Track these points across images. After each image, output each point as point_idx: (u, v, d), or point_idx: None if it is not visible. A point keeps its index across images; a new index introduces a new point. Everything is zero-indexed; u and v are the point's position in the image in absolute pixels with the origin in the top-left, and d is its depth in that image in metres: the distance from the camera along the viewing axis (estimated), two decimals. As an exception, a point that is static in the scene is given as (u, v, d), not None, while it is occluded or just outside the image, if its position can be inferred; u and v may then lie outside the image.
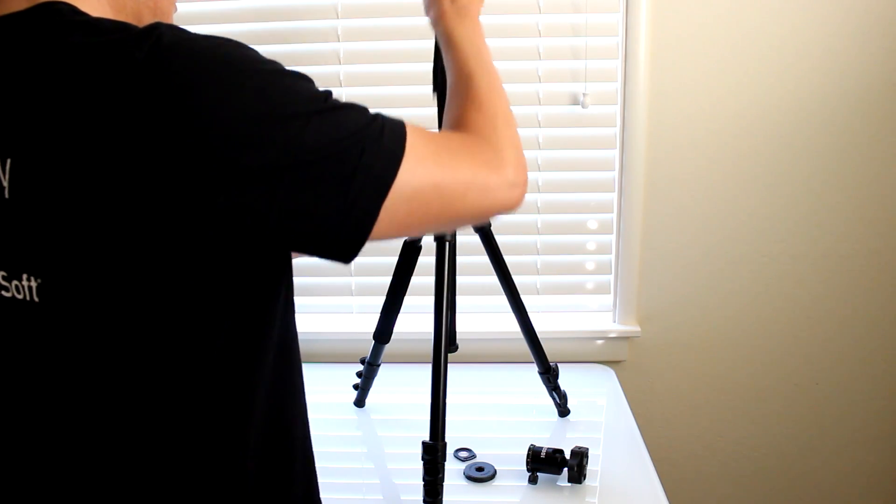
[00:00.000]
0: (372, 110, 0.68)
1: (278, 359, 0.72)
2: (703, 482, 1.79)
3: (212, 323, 0.63)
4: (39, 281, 0.60)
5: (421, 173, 0.65)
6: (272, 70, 0.64)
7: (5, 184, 0.60)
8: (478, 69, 0.85)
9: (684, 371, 1.72)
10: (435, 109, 1.17)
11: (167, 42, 0.58)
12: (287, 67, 0.66)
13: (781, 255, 1.64)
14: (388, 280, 1.26)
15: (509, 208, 0.73)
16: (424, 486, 1.05)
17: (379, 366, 1.36)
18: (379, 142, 0.64)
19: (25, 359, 0.64)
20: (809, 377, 1.71)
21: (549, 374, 1.34)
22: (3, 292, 0.62)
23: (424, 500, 1.05)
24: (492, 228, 1.24)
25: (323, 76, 1.59)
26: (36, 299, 0.60)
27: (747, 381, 1.72)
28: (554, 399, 1.38)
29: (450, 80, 0.86)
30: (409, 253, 1.23)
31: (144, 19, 0.72)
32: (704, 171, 1.60)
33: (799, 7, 1.51)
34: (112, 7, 0.70)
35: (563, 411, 1.40)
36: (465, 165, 0.70)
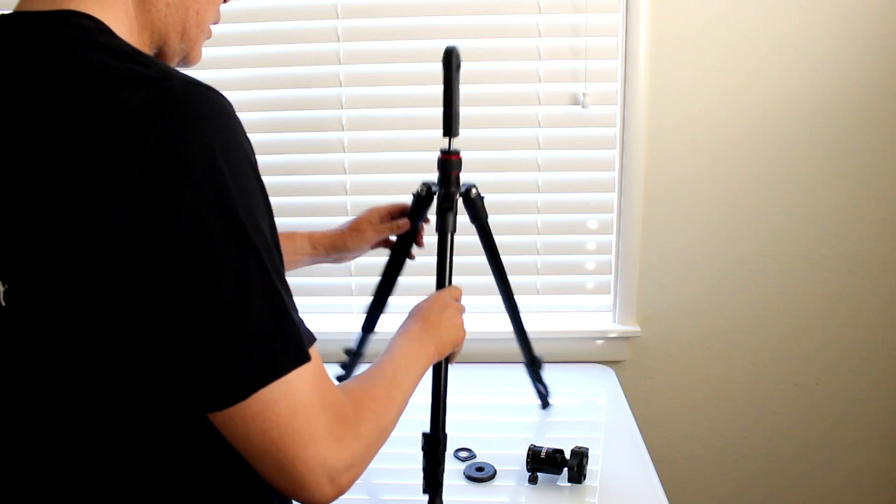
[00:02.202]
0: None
1: None
2: (703, 482, 1.79)
3: (150, 349, 0.61)
4: (7, 286, 0.60)
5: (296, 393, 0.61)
6: (249, 189, 0.60)
7: None
8: (405, 384, 0.83)
9: (684, 371, 1.72)
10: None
11: (170, 99, 0.57)
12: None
13: (781, 256, 1.64)
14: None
15: (321, 490, 0.63)
16: (424, 476, 1.04)
17: (360, 355, 1.31)
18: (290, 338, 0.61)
19: None
20: (809, 377, 1.71)
21: (534, 366, 1.36)
22: None
23: (424, 490, 1.04)
24: (489, 222, 1.22)
25: (323, 76, 1.59)
26: (3, 303, 0.61)
27: (747, 381, 1.72)
28: (537, 390, 1.41)
29: (381, 369, 0.82)
30: (404, 242, 1.22)
31: (171, 42, 0.72)
32: (704, 171, 1.60)
33: (799, 7, 1.51)
34: (140, 25, 0.69)
35: (545, 403, 1.43)
36: (325, 421, 0.63)
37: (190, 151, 0.56)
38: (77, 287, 0.57)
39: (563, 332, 1.68)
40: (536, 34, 1.56)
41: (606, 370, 1.65)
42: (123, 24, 0.66)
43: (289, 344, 0.60)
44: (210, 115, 0.59)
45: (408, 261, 1.23)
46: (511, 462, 1.24)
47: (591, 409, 1.46)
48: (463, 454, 1.29)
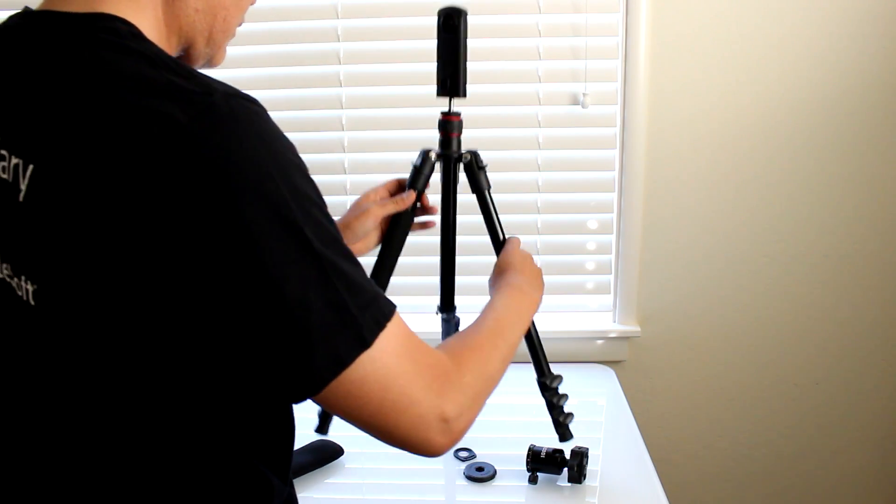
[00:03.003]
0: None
1: None
2: (703, 482, 1.79)
3: (204, 355, 0.63)
4: (35, 286, 0.60)
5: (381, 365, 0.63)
6: (303, 191, 0.62)
7: (23, 187, 0.59)
8: (509, 334, 0.87)
9: (684, 371, 1.72)
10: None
11: (216, 115, 0.57)
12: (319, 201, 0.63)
13: (781, 255, 1.64)
14: (394, 280, 1.24)
15: (432, 443, 0.67)
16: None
17: None
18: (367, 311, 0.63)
19: (18, 356, 0.65)
20: (809, 377, 1.71)
21: (547, 381, 1.18)
22: (10, 282, 0.63)
23: None
24: (490, 191, 1.18)
25: (323, 76, 1.59)
26: (32, 302, 0.61)
27: (747, 381, 1.72)
28: (553, 419, 1.20)
29: (482, 322, 0.86)
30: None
31: (198, 46, 0.73)
32: (704, 171, 1.60)
33: (799, 7, 1.51)
34: (167, 28, 0.69)
35: (563, 434, 1.21)
36: (422, 382, 0.66)
37: (242, 166, 0.57)
38: (113, 294, 0.58)
39: (563, 332, 1.68)
40: (536, 34, 1.56)
41: (606, 370, 1.65)
42: (153, 27, 0.66)
43: (352, 334, 0.62)
44: (255, 127, 0.59)
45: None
46: (511, 462, 1.24)
47: (591, 409, 1.46)
48: (463, 454, 1.29)
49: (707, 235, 1.64)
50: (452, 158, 1.13)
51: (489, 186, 1.16)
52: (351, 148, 1.63)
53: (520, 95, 1.59)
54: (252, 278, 0.57)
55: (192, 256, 0.56)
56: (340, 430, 1.39)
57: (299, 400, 0.63)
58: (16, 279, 0.62)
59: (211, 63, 0.77)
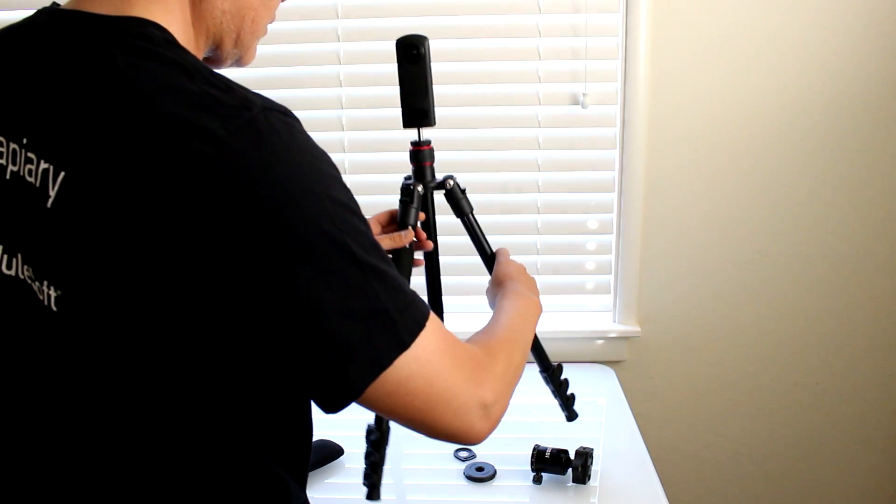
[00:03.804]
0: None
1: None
2: (703, 482, 1.79)
3: (234, 364, 0.63)
4: (59, 292, 0.60)
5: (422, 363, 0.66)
6: (342, 201, 0.62)
7: (52, 193, 0.59)
8: (524, 331, 0.91)
9: (684, 371, 1.72)
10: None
11: (256, 130, 0.58)
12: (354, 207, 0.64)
13: (781, 255, 1.64)
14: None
15: (475, 430, 0.70)
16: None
17: None
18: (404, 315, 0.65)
19: (35, 358, 0.64)
20: (809, 377, 1.71)
21: (549, 373, 1.29)
22: (31, 284, 0.62)
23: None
24: (473, 213, 1.19)
25: (323, 76, 1.59)
26: (54, 308, 0.61)
27: (747, 381, 1.72)
28: (558, 401, 1.31)
29: (497, 322, 0.90)
30: None
31: (225, 47, 0.73)
32: (704, 171, 1.60)
33: (799, 7, 1.51)
34: (195, 31, 0.69)
35: (570, 415, 1.32)
36: (462, 374, 0.69)
37: (284, 181, 0.58)
38: (144, 305, 0.58)
39: (563, 332, 1.68)
40: (536, 34, 1.56)
41: (606, 370, 1.65)
42: (181, 30, 0.66)
43: (392, 337, 0.63)
44: (294, 141, 0.60)
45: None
46: (511, 462, 1.24)
47: (592, 409, 1.46)
48: (463, 454, 1.29)
49: (707, 235, 1.64)
50: (430, 188, 1.13)
51: (472, 209, 1.18)
52: (351, 148, 1.63)
53: (520, 96, 1.59)
54: (296, 293, 0.58)
55: (231, 271, 0.57)
56: (341, 430, 1.39)
57: (339, 406, 0.64)
58: (37, 283, 0.61)
59: (240, 62, 0.78)
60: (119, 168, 0.56)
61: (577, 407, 1.32)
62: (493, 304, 1.01)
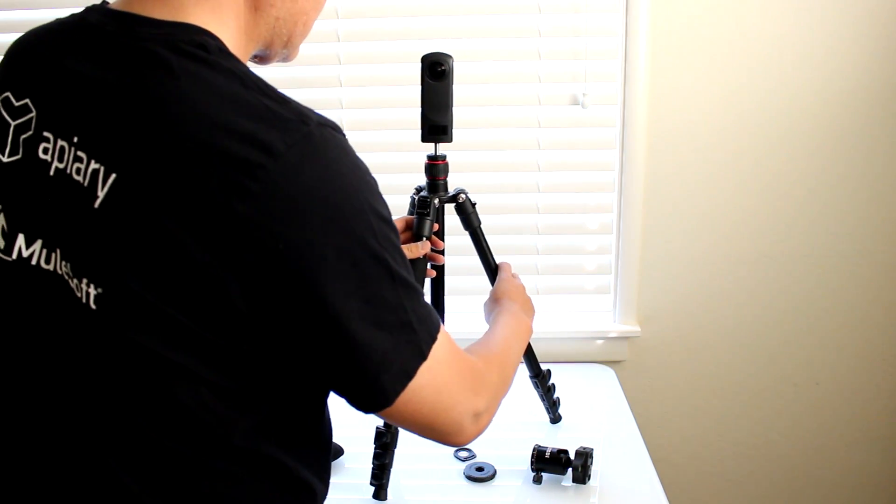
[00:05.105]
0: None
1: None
2: (703, 482, 1.79)
3: (268, 370, 0.65)
4: (100, 290, 0.60)
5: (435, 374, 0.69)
6: (384, 216, 0.66)
7: (100, 194, 0.59)
8: (515, 347, 0.96)
9: (684, 371, 1.72)
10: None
11: (312, 145, 0.60)
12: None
13: (781, 255, 1.65)
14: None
15: (465, 433, 0.75)
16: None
17: None
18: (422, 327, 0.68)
19: (68, 353, 0.64)
20: (809, 377, 1.72)
21: (539, 378, 1.31)
22: (69, 280, 0.62)
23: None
24: (481, 226, 1.22)
25: (323, 77, 1.59)
26: (93, 306, 0.61)
27: (747, 381, 1.72)
28: (544, 404, 1.36)
29: (492, 337, 0.95)
30: None
31: (275, 48, 0.75)
32: (704, 172, 1.60)
33: (799, 7, 1.51)
34: (246, 36, 0.70)
35: (554, 417, 1.38)
36: (464, 384, 0.74)
37: (338, 197, 0.60)
38: (187, 309, 0.59)
39: (563, 332, 1.68)
40: (536, 35, 1.56)
41: (606, 370, 1.65)
42: (233, 37, 0.67)
43: (415, 349, 0.67)
44: (346, 158, 0.63)
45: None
46: (511, 462, 1.24)
47: (591, 409, 1.46)
48: (463, 454, 1.29)
49: (707, 235, 1.64)
50: (443, 200, 1.16)
51: (480, 223, 1.21)
52: (351, 149, 1.63)
53: (520, 96, 1.59)
54: (336, 303, 0.61)
55: (276, 281, 0.58)
56: (340, 430, 1.39)
57: (370, 412, 0.68)
58: (75, 280, 0.62)
59: (286, 60, 0.80)
60: (174, 175, 0.57)
61: (577, 407, 1.34)
62: (489, 318, 1.06)
